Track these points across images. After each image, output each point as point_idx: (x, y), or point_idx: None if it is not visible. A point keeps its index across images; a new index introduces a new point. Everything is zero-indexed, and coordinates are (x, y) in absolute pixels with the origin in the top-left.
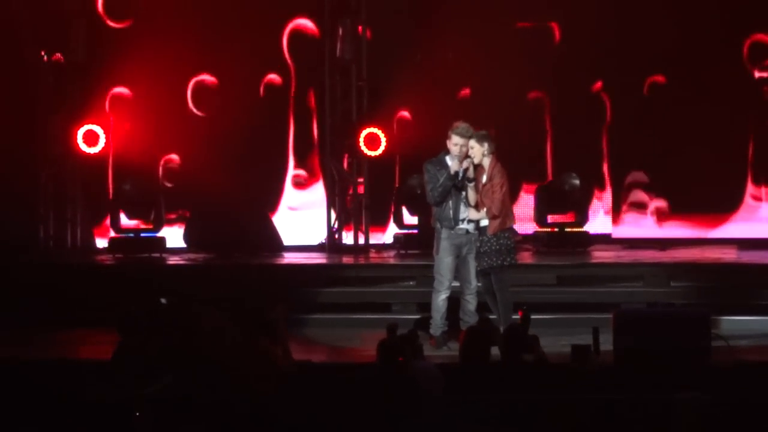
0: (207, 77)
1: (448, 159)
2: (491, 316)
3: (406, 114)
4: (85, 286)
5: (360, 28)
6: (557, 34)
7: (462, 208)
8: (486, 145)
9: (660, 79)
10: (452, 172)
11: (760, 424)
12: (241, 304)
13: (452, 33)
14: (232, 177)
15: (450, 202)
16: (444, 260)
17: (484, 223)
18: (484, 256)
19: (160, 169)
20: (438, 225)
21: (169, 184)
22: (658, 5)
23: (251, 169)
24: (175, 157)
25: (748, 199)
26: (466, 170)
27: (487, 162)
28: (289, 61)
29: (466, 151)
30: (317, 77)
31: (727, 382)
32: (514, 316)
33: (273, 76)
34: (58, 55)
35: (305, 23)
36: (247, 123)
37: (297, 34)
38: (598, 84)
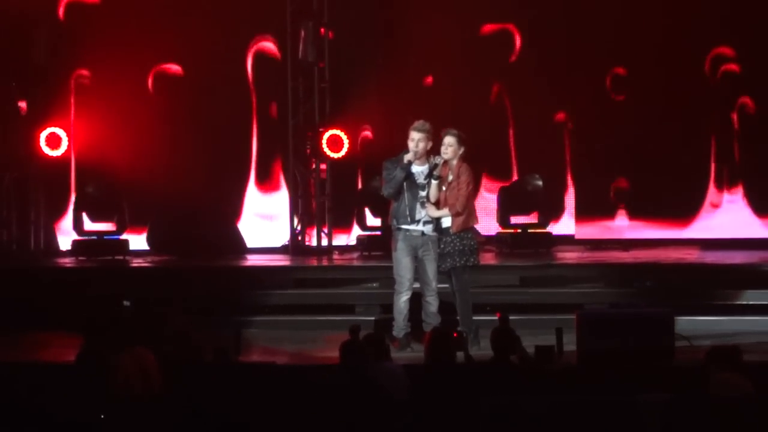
0: (171, 67)
1: (406, 155)
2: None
3: (368, 116)
4: (48, 289)
5: (322, 30)
6: (518, 36)
7: (418, 207)
8: (462, 148)
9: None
10: (405, 161)
11: (723, 424)
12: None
13: (414, 35)
14: (196, 179)
15: (405, 198)
16: (401, 261)
17: (446, 223)
18: (447, 257)
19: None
20: (394, 223)
21: None
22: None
23: (214, 172)
24: None
25: (707, 205)
26: (435, 166)
27: (454, 162)
28: (250, 77)
29: (423, 147)
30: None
31: (690, 382)
32: (492, 319)
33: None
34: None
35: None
36: (209, 124)
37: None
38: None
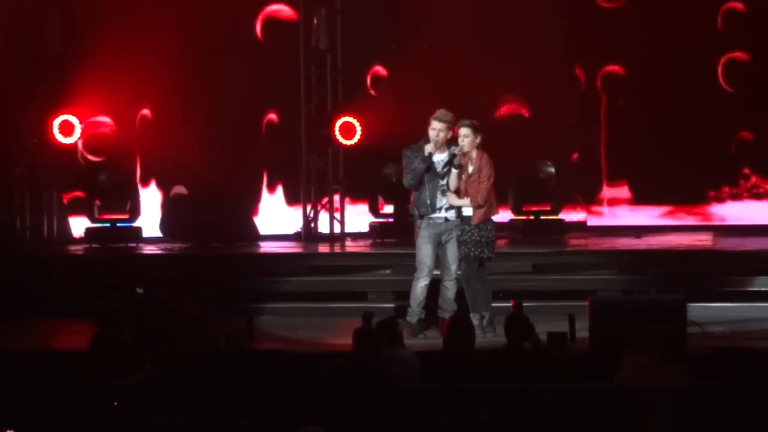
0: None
1: (427, 146)
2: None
3: (379, 102)
4: (61, 276)
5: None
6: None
7: (439, 195)
8: (479, 137)
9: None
10: (426, 153)
11: (735, 410)
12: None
13: (427, 22)
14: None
15: (426, 188)
16: (423, 248)
17: (468, 212)
18: (463, 245)
19: None
20: (416, 212)
21: None
22: None
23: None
24: None
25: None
26: (454, 156)
27: (473, 152)
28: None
29: (444, 136)
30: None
31: (702, 368)
32: (505, 305)
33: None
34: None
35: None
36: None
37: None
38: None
